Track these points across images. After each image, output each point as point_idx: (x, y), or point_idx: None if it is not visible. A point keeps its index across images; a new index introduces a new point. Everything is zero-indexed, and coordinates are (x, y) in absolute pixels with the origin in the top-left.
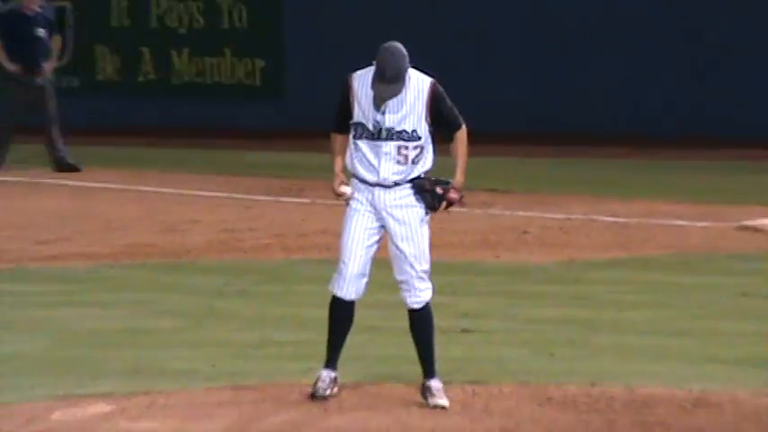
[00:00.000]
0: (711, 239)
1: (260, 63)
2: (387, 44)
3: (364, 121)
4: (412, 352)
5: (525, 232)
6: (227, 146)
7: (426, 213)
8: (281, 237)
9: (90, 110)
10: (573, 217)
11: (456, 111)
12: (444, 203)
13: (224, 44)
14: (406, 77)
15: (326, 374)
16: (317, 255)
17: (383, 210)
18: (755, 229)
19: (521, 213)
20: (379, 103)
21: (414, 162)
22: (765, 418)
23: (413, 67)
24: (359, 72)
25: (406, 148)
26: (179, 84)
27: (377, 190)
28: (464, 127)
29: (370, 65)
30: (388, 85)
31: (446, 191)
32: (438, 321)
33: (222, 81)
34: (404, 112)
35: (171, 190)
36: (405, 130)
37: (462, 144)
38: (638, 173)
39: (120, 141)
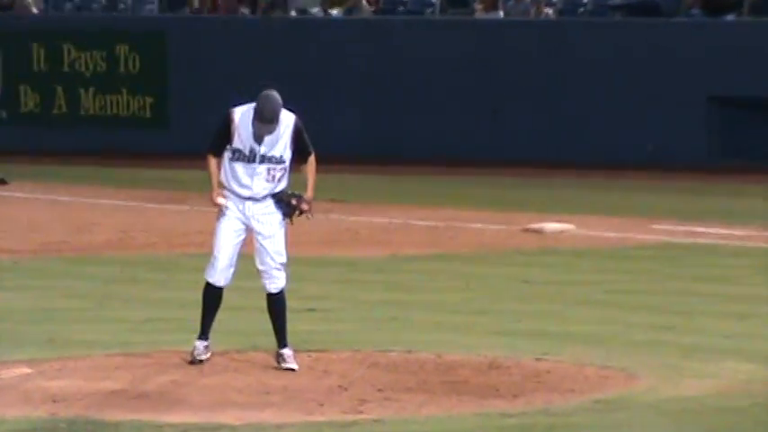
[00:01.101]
0: (501, 239)
1: (149, 100)
2: (266, 92)
3: (242, 148)
4: (267, 326)
5: (357, 233)
6: (124, 165)
7: (283, 219)
8: (167, 236)
9: (15, 136)
10: (395, 221)
11: (309, 141)
12: (297, 212)
13: (121, 85)
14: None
15: (200, 344)
16: (194, 250)
17: (251, 217)
18: (537, 231)
19: (353, 218)
20: (257, 138)
21: (278, 180)
22: (544, 377)
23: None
24: (239, 108)
25: (274, 169)
26: (86, 115)
27: (248, 202)
28: (313, 154)
29: (249, 102)
30: (266, 124)
31: (299, 202)
32: (288, 303)
33: (120, 113)
34: (274, 142)
35: (79, 199)
36: (274, 156)
37: (312, 167)
38: (445, 187)
39: (39, 161)
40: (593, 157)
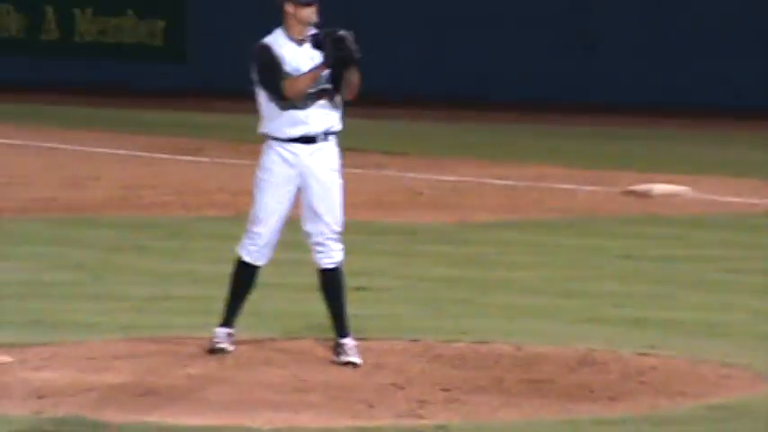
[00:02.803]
0: (597, 203)
1: (161, 24)
2: None
3: (292, 71)
4: (306, 308)
5: (420, 193)
6: (128, 105)
7: (328, 65)
8: (180, 194)
9: None
10: (464, 179)
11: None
12: (342, 51)
13: (125, 4)
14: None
15: (221, 331)
16: (214, 212)
17: (305, 169)
18: (640, 194)
19: (413, 175)
20: (306, 25)
21: (335, 106)
22: (648, 376)
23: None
24: (265, 39)
25: (328, 89)
26: (81, 42)
27: (298, 147)
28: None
29: (268, 34)
30: (311, 5)
31: (342, 36)
32: None
33: (124, 41)
34: (314, 55)
35: (72, 146)
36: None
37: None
38: (528, 138)
39: (24, 98)
40: (713, 102)
